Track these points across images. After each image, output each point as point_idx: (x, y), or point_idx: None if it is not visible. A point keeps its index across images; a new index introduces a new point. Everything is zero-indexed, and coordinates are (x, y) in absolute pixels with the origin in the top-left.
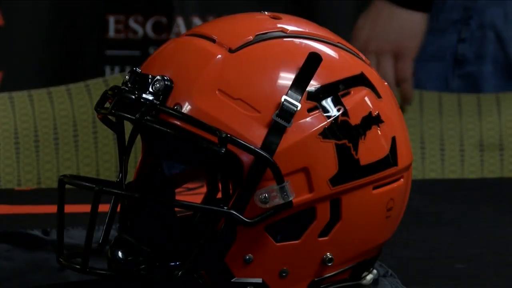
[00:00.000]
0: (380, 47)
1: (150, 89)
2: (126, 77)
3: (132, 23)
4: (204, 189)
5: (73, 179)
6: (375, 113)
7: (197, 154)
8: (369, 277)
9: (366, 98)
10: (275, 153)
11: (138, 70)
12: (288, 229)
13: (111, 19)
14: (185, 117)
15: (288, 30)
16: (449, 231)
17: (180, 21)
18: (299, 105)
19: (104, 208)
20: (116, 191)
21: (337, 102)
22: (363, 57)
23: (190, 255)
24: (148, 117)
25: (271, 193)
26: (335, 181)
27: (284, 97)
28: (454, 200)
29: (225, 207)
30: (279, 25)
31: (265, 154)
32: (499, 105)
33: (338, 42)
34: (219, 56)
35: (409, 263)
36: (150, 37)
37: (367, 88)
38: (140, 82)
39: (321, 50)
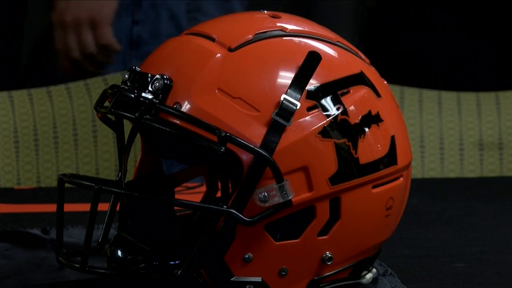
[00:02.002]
0: (77, 18)
1: (150, 88)
2: (126, 76)
3: None
4: (203, 188)
5: (73, 178)
6: (374, 112)
7: (197, 153)
8: (369, 276)
9: (366, 97)
10: (274, 152)
11: (138, 69)
12: (287, 228)
13: None
14: (184, 116)
15: (287, 29)
16: (449, 230)
17: None
18: (299, 104)
19: (103, 207)
20: (115, 190)
21: (336, 101)
22: (363, 56)
23: (190, 254)
24: (147, 116)
25: (270, 192)
26: (334, 180)
27: (283, 96)
28: (454, 199)
29: (224, 206)
30: (278, 24)
31: (264, 153)
32: (499, 104)
33: (338, 41)
34: (219, 55)
35: (408, 262)
36: None
37: (366, 87)
38: (140, 81)
39: (320, 49)
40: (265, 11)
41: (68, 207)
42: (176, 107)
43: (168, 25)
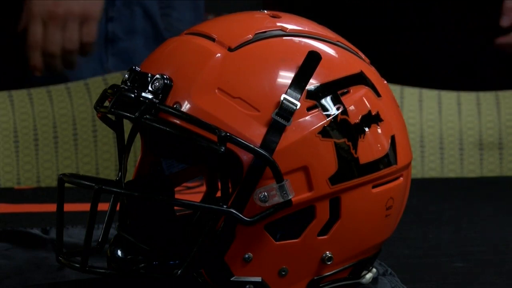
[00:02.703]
0: (69, 11)
1: (150, 88)
2: (126, 75)
3: None
4: (203, 188)
5: (73, 177)
6: (374, 112)
7: (197, 153)
8: (369, 275)
9: (366, 97)
10: (274, 151)
11: (138, 68)
12: (287, 227)
13: None
14: (184, 116)
15: (287, 28)
16: (449, 230)
17: None
18: (299, 104)
19: (103, 206)
20: (115, 189)
21: (336, 101)
22: (363, 56)
23: (190, 254)
24: (147, 116)
25: (270, 191)
26: (334, 179)
27: (283, 96)
28: (454, 199)
29: (224, 206)
30: (278, 24)
31: (264, 153)
32: (498, 104)
33: (338, 41)
34: (219, 54)
35: (408, 261)
36: None
37: (366, 87)
38: (140, 81)
39: (320, 49)
40: (265, 11)
41: (68, 207)
42: (176, 107)
43: (142, 21)
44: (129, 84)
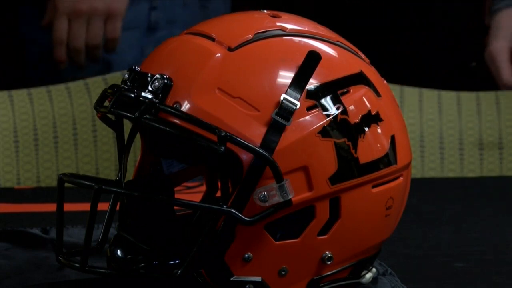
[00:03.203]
0: (93, 8)
1: (149, 88)
2: (125, 75)
3: None
4: (203, 188)
5: (73, 177)
6: (374, 112)
7: (197, 152)
8: (369, 275)
9: (366, 97)
10: (274, 151)
11: (137, 68)
12: (287, 227)
13: None
14: (184, 116)
15: (287, 28)
16: (448, 230)
17: None
18: (299, 104)
19: (103, 206)
20: (115, 189)
21: (336, 101)
22: (363, 56)
23: (190, 254)
24: (147, 116)
25: (270, 191)
26: (334, 179)
27: (283, 96)
28: (454, 199)
29: (224, 206)
30: (278, 24)
31: (264, 153)
32: (499, 103)
33: (338, 41)
34: (218, 54)
35: (408, 261)
36: None
37: (366, 87)
38: (139, 81)
39: (320, 49)
40: (265, 11)
41: (68, 207)
42: (176, 106)
43: (181, 11)
44: (129, 84)
